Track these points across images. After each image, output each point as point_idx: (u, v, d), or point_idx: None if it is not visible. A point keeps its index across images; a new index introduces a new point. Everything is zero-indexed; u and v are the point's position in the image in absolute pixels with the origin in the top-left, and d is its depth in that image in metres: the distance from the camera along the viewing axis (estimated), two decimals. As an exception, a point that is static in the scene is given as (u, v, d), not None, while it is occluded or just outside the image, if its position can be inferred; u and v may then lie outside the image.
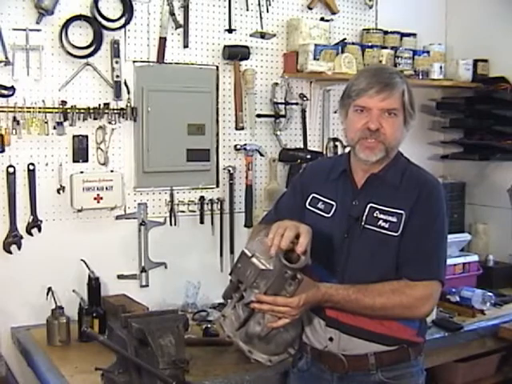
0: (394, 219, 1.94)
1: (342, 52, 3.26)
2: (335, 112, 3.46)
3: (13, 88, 2.64)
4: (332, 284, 1.93)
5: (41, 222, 2.75)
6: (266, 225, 2.07)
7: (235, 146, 3.20)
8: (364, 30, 3.53)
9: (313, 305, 1.89)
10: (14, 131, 2.65)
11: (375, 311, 1.91)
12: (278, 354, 1.94)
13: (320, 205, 2.07)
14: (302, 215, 2.09)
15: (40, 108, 2.70)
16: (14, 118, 2.65)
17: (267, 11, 3.23)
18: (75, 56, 2.76)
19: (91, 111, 2.80)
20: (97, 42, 2.78)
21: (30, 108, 2.67)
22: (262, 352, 1.91)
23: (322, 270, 1.99)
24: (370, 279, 1.93)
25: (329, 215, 2.04)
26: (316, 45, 3.17)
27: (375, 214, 1.97)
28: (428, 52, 3.61)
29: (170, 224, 3.05)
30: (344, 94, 2.02)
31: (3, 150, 2.65)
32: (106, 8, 2.81)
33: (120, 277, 2.95)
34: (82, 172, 2.82)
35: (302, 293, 1.81)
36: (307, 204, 2.11)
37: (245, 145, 3.20)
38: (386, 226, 1.95)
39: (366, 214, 1.98)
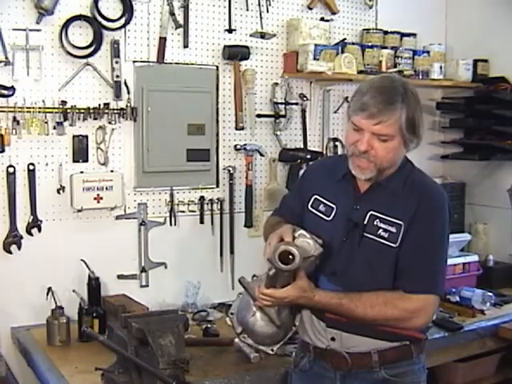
0: (394, 229, 1.92)
1: (342, 52, 3.26)
2: (335, 112, 3.47)
3: (13, 88, 2.64)
4: (327, 292, 1.95)
5: (41, 221, 2.75)
6: (274, 218, 2.25)
7: (235, 146, 3.20)
8: (364, 30, 3.53)
9: (303, 305, 1.99)
10: (14, 131, 2.65)
11: (367, 321, 1.93)
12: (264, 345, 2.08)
13: (321, 207, 2.06)
14: (302, 216, 2.11)
15: (40, 108, 2.70)
16: (14, 118, 2.65)
17: (267, 11, 3.23)
18: (75, 56, 2.76)
19: (91, 111, 2.80)
20: (97, 41, 2.78)
21: (30, 108, 2.67)
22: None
23: (321, 273, 2.00)
24: (368, 287, 1.93)
25: (329, 218, 2.03)
26: (316, 45, 3.17)
27: (375, 223, 1.95)
28: (428, 52, 3.61)
29: (170, 224, 3.05)
30: (349, 102, 1.99)
31: (3, 150, 2.65)
32: (105, 8, 2.81)
33: (120, 277, 2.95)
34: (82, 172, 2.82)
35: (295, 292, 1.89)
36: (309, 206, 2.09)
37: (245, 145, 3.20)
38: (386, 235, 1.93)
39: (366, 221, 1.96)
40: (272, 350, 2.06)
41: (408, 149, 1.94)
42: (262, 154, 3.26)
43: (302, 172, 2.38)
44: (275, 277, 1.88)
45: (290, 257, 1.83)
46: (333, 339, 2.01)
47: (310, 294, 1.91)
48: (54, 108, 2.73)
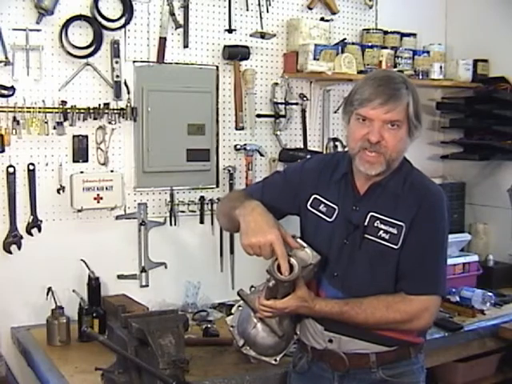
0: (395, 231, 1.92)
1: (342, 52, 3.26)
2: (335, 112, 3.47)
3: (13, 88, 2.64)
4: (328, 301, 1.94)
5: (41, 221, 2.75)
6: (247, 195, 2.08)
7: (235, 146, 3.20)
8: (364, 30, 3.53)
9: (304, 314, 1.99)
10: (14, 131, 2.65)
11: (369, 326, 1.93)
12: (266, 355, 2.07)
13: (322, 207, 2.04)
14: (300, 212, 2.10)
15: (40, 108, 2.70)
16: (14, 118, 2.65)
17: (267, 11, 3.23)
18: (75, 56, 2.76)
19: (91, 111, 2.80)
20: (97, 42, 2.78)
21: (30, 108, 2.67)
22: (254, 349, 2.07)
23: (321, 275, 2.00)
24: (369, 290, 1.93)
25: (331, 219, 2.01)
26: (316, 45, 3.17)
27: (376, 224, 1.94)
28: (428, 52, 3.61)
29: (170, 224, 3.04)
30: (347, 101, 1.95)
31: (3, 150, 2.65)
32: (106, 8, 2.81)
33: (120, 277, 2.95)
34: (82, 172, 2.82)
35: (295, 302, 1.88)
36: (308, 205, 2.07)
37: (245, 145, 3.20)
38: (387, 237, 1.92)
39: (366, 222, 1.95)
40: (275, 361, 2.06)
41: (412, 138, 1.93)
42: (261, 154, 3.26)
43: (299, 164, 2.24)
44: (275, 288, 1.87)
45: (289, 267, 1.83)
46: (330, 341, 2.01)
47: (310, 304, 1.91)
48: (53, 108, 2.73)
